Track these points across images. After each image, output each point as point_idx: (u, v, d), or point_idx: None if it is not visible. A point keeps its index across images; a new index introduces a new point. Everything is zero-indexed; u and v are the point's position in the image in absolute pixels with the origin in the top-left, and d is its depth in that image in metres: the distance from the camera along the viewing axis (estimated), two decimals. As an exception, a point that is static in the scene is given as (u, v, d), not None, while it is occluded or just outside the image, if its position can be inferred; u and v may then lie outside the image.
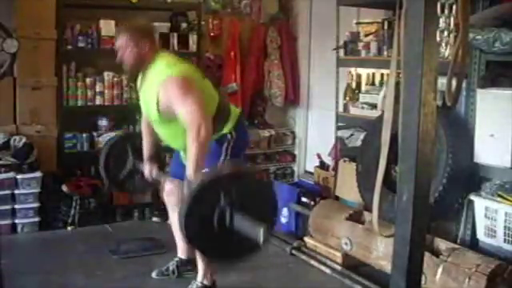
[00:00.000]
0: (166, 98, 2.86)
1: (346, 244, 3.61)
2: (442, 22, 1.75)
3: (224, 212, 2.26)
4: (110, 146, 3.65)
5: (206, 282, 3.19)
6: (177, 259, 3.46)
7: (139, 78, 3.15)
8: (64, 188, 4.40)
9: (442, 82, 1.85)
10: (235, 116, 3.11)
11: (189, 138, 2.79)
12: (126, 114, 4.95)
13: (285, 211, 4.37)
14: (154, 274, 3.48)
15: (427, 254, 2.93)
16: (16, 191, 4.20)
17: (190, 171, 2.76)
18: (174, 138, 3.08)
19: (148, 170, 3.34)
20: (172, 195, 3.31)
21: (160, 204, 4.68)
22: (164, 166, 3.55)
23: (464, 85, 3.10)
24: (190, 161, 2.79)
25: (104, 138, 4.80)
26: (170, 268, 3.46)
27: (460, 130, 3.29)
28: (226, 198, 2.28)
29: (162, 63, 2.97)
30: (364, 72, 4.47)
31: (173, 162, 3.37)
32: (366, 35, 4.36)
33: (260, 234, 2.17)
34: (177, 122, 2.91)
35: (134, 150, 3.55)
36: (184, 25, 5.10)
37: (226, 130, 3.04)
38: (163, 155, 3.66)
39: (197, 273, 3.24)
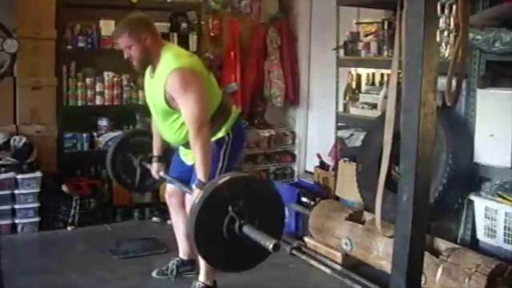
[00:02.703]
0: (171, 90, 2.84)
1: (346, 244, 3.61)
2: (441, 22, 1.74)
3: (234, 220, 2.23)
4: (111, 156, 3.66)
5: (208, 283, 3.19)
6: (177, 259, 3.46)
7: (146, 72, 3.11)
8: (64, 188, 4.39)
9: (441, 82, 1.85)
10: (235, 116, 3.10)
11: (190, 136, 2.80)
12: (126, 114, 4.96)
13: (285, 211, 4.37)
14: (154, 274, 3.48)
15: (427, 254, 2.93)
16: (16, 191, 4.19)
17: (199, 171, 2.78)
18: (174, 132, 3.05)
19: (156, 169, 3.35)
20: (174, 197, 3.32)
21: (160, 204, 4.70)
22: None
23: (464, 85, 3.11)
24: (197, 161, 2.80)
25: (104, 138, 4.81)
26: (170, 267, 3.46)
27: (460, 129, 3.29)
28: (235, 205, 2.24)
29: (168, 55, 2.93)
30: (364, 72, 4.47)
31: (173, 164, 3.35)
32: (366, 35, 4.36)
33: (270, 246, 2.16)
34: (179, 115, 2.92)
35: (134, 152, 3.57)
36: (184, 25, 5.10)
37: (223, 132, 3.03)
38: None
39: (198, 273, 3.24)
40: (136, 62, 2.98)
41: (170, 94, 2.86)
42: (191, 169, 3.06)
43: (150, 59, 2.95)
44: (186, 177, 3.12)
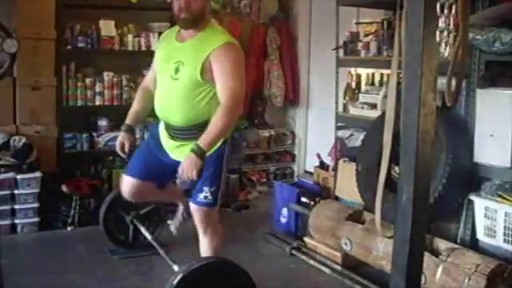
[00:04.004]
0: (217, 60, 2.71)
1: (345, 244, 3.61)
2: (441, 22, 1.74)
3: None
4: (103, 215, 3.83)
5: None
6: (181, 208, 3.50)
7: (166, 36, 3.01)
8: (64, 188, 4.39)
9: (441, 81, 1.85)
10: (239, 118, 3.06)
11: (223, 110, 2.66)
12: (126, 114, 4.93)
13: (285, 211, 4.37)
14: (173, 230, 3.60)
15: (427, 254, 2.93)
16: (16, 191, 4.19)
17: (206, 138, 2.62)
18: (190, 107, 2.82)
19: (120, 140, 3.10)
20: (137, 189, 3.10)
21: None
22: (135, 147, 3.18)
23: (464, 85, 3.11)
24: (211, 131, 2.64)
25: (104, 138, 4.82)
26: (180, 215, 3.50)
27: (460, 129, 3.29)
28: None
29: (218, 28, 2.87)
30: (364, 72, 4.47)
31: (141, 159, 3.10)
32: (366, 35, 4.36)
33: None
34: (204, 89, 2.78)
35: (126, 210, 3.79)
36: (184, 25, 5.10)
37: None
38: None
39: None
40: (189, 15, 2.76)
41: (212, 63, 2.72)
42: (171, 165, 2.90)
43: (200, 20, 2.79)
44: (159, 173, 3.04)
